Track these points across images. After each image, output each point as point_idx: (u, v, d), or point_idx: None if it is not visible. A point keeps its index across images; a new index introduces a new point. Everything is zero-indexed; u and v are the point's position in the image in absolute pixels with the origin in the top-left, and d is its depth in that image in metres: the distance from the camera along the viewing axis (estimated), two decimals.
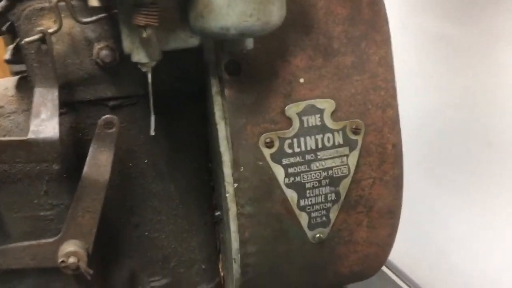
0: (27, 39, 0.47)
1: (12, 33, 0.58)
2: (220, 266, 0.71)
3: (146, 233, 0.63)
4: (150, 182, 0.61)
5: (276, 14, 0.45)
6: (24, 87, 0.56)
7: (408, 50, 1.03)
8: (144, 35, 0.41)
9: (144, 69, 0.46)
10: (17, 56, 0.55)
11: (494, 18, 0.87)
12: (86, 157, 0.53)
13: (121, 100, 0.56)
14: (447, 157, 0.98)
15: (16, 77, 0.60)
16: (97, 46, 0.52)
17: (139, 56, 0.45)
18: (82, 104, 0.55)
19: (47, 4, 0.51)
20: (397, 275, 0.94)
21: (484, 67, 0.89)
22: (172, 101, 0.58)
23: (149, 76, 0.47)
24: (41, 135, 0.47)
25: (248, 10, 0.42)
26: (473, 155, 0.93)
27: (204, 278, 0.68)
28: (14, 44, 0.58)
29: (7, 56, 0.56)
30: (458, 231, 0.96)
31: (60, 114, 0.51)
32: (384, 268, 0.94)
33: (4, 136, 0.53)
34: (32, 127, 0.47)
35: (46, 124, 0.47)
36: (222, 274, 0.71)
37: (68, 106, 0.55)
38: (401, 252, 1.08)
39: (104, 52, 0.51)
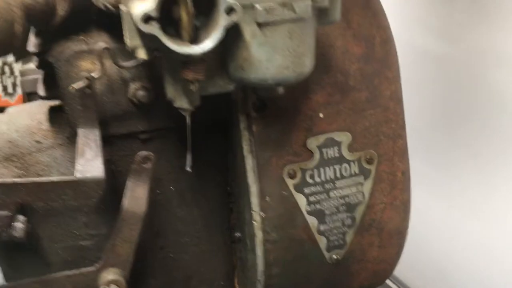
0: (75, 86, 0.50)
1: (43, 69, 0.61)
2: (235, 282, 0.75)
3: (171, 255, 0.67)
4: (175, 207, 0.65)
5: (308, 64, 0.49)
6: (57, 120, 0.59)
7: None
8: (192, 87, 0.45)
9: (184, 113, 0.50)
10: (52, 93, 0.58)
11: (482, 37, 0.92)
12: (118, 187, 0.57)
13: (151, 133, 0.60)
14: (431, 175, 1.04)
15: (44, 107, 0.63)
16: (132, 86, 0.55)
17: (182, 103, 0.49)
18: (115, 137, 0.58)
19: (85, 47, 0.54)
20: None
21: (472, 86, 0.95)
22: (198, 131, 0.62)
23: (188, 118, 0.51)
24: (88, 174, 0.50)
25: (286, 63, 0.47)
26: (460, 168, 0.99)
27: None
28: (43, 78, 0.60)
29: (41, 92, 0.59)
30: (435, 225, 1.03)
31: None
32: None
33: (43, 170, 0.56)
34: (78, 167, 0.50)
35: (91, 164, 0.50)
36: None
37: (103, 140, 0.58)
38: None
39: (141, 93, 0.54)
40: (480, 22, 0.90)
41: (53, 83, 0.58)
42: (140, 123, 0.58)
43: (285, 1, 0.44)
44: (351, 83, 0.61)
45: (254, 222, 0.59)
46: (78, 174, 0.50)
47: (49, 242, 0.56)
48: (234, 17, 0.42)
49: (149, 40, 0.44)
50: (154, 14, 0.40)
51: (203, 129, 0.62)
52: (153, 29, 0.40)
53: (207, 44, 0.42)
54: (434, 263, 1.05)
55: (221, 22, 0.42)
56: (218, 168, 0.66)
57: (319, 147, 0.60)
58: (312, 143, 0.59)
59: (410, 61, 1.06)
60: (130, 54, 0.50)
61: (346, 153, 0.61)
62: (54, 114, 0.60)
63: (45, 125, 0.59)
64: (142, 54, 0.46)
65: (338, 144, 0.60)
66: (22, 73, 0.91)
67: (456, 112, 1.00)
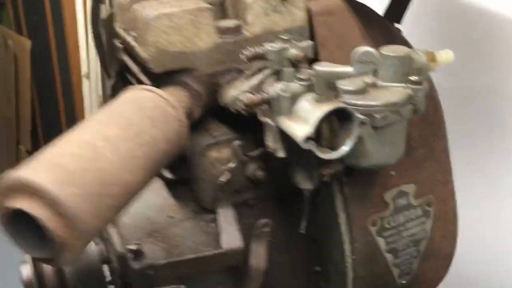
0: (223, 179, 0.62)
1: None
2: None
3: None
4: (272, 255, 0.77)
5: (403, 149, 0.63)
6: (180, 195, 0.70)
7: None
8: (326, 179, 0.58)
9: (305, 192, 0.63)
10: (178, 175, 0.69)
11: (482, 74, 1.09)
12: None
13: (258, 198, 0.72)
14: None
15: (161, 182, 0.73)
16: (251, 167, 0.67)
17: (306, 184, 0.61)
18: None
19: (212, 140, 0.65)
20: None
21: (474, 114, 1.12)
22: (291, 193, 0.75)
23: (307, 194, 0.63)
24: (232, 246, 0.62)
25: (390, 153, 0.60)
26: None
27: None
28: None
29: (167, 174, 0.69)
30: None
31: None
32: None
33: (179, 242, 0.67)
34: (223, 241, 0.62)
35: (233, 237, 0.63)
36: None
37: None
38: None
39: (260, 173, 0.66)
40: (480, 62, 1.07)
41: (176, 166, 0.69)
42: (250, 193, 0.70)
43: (395, 109, 0.57)
44: (413, 144, 0.75)
45: (347, 264, 0.73)
46: (225, 246, 0.62)
47: None
48: (363, 129, 0.55)
49: (288, 143, 0.56)
50: (312, 135, 0.52)
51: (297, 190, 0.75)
52: (311, 146, 0.53)
53: (344, 149, 0.55)
54: None
55: (355, 132, 0.55)
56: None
57: (393, 199, 0.74)
58: (387, 196, 0.74)
59: None
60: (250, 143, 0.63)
61: (412, 201, 0.75)
62: (173, 189, 0.71)
63: (171, 200, 0.70)
64: (281, 153, 0.58)
65: (406, 194, 0.75)
66: None
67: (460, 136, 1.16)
